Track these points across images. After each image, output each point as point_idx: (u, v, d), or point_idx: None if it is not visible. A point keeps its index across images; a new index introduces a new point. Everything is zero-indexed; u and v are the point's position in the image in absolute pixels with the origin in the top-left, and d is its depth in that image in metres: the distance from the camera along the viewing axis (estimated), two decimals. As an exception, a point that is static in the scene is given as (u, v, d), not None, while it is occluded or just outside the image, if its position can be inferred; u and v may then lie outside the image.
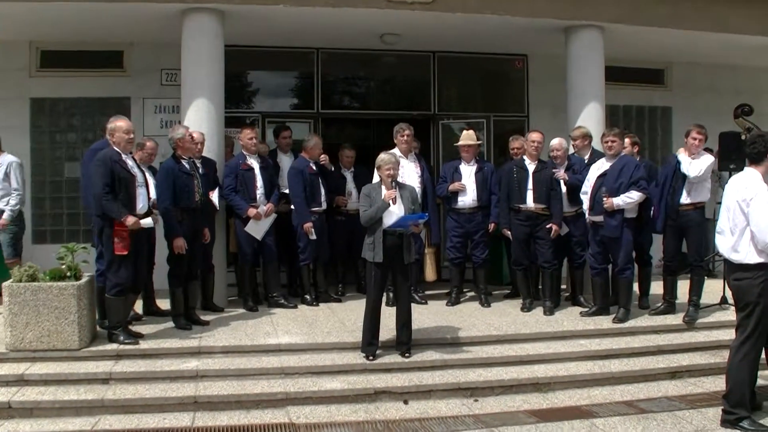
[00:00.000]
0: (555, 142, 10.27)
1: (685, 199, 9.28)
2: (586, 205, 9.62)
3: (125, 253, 7.92)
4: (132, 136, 8.26)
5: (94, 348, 7.89)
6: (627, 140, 10.07)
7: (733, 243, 6.59)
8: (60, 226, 12.04)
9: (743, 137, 7.72)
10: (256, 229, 9.94)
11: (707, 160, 9.26)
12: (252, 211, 9.85)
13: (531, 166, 9.97)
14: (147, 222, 8.14)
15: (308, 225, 10.27)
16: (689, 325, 9.22)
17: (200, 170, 9.34)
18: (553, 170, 9.86)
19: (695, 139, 9.27)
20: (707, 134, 9.40)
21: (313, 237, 10.29)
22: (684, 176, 9.22)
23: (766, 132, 7.29)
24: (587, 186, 9.59)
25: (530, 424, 6.80)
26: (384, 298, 8.55)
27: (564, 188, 9.99)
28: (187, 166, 8.99)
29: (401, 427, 6.76)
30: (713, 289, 10.02)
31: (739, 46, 12.62)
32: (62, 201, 12.06)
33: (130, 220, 7.88)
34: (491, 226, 10.46)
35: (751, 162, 6.70)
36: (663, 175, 9.55)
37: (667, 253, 9.58)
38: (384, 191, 8.01)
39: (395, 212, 7.98)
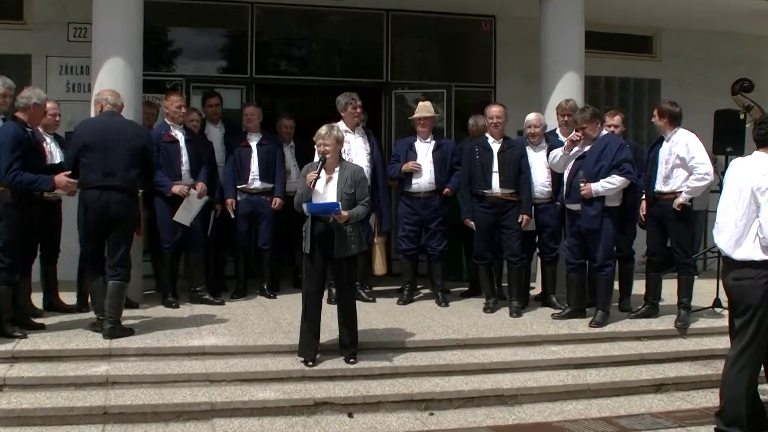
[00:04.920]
0: (532, 117, 10.30)
1: (661, 187, 9.32)
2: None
3: None
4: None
5: (-16, 349, 7.79)
6: (618, 118, 10.10)
7: (737, 236, 6.52)
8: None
9: (742, 116, 7.78)
10: (186, 216, 9.79)
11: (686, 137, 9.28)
12: (176, 188, 9.67)
13: (495, 146, 9.94)
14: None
15: (228, 201, 10.46)
16: (681, 331, 9.31)
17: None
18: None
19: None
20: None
21: (231, 216, 10.49)
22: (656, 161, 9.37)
23: None
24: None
25: (494, 442, 6.85)
26: (326, 295, 8.53)
27: (546, 172, 10.03)
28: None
29: (345, 444, 6.78)
30: (705, 290, 10.14)
31: (736, 11, 12.75)
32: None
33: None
34: (446, 191, 10.49)
35: (759, 145, 6.69)
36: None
37: (650, 247, 9.63)
38: (323, 172, 7.96)
39: (324, 196, 7.95)
